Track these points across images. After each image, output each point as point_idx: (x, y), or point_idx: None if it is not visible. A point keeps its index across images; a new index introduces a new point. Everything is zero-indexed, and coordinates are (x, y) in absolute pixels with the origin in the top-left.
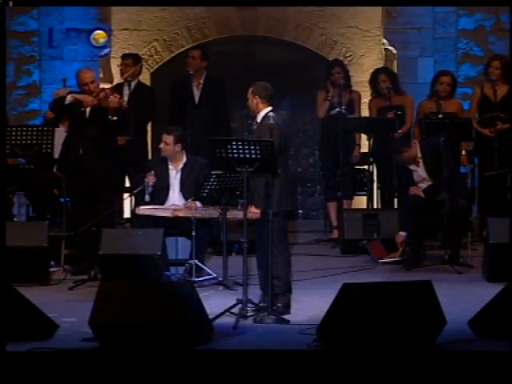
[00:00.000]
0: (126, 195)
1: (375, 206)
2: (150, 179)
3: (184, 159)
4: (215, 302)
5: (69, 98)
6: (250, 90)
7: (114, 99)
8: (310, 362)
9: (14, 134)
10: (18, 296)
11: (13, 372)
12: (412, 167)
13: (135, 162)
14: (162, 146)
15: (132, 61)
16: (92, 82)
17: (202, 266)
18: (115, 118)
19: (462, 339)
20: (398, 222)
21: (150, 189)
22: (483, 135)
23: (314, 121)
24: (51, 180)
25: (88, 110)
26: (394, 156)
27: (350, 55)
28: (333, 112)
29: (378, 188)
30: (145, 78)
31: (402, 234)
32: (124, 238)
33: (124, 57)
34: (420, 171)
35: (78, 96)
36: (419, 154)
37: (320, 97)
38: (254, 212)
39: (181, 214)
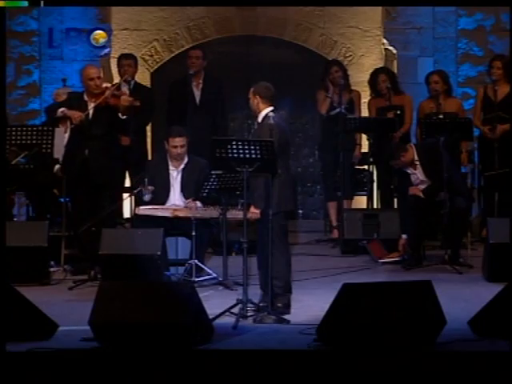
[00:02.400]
0: (126, 195)
1: (375, 206)
2: (148, 189)
3: (185, 159)
4: (215, 302)
5: (59, 113)
6: (251, 90)
7: (126, 98)
8: (310, 362)
9: (14, 133)
10: (18, 296)
11: (13, 372)
12: (409, 170)
13: (135, 162)
14: (179, 150)
15: (133, 61)
16: (98, 78)
17: (202, 265)
18: (125, 116)
19: (462, 339)
20: (399, 224)
21: (147, 196)
22: (484, 134)
23: (314, 121)
24: (51, 180)
25: (91, 110)
26: (391, 161)
27: (350, 55)
28: (333, 112)
29: (377, 188)
30: (145, 77)
31: (405, 237)
32: (124, 238)
33: (125, 57)
34: (418, 174)
35: (66, 112)
36: (416, 157)
37: (320, 96)
38: (253, 212)
39: (181, 214)
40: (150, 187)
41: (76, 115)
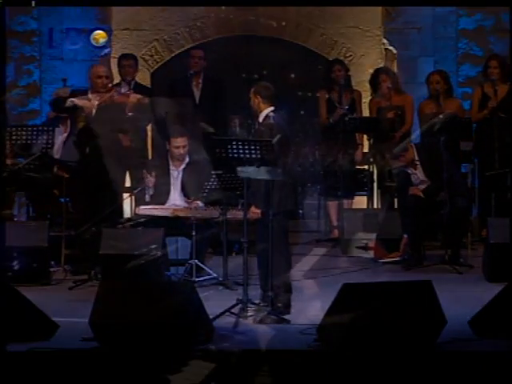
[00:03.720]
0: (126, 195)
1: (375, 206)
2: (150, 181)
3: (186, 159)
4: (215, 302)
5: (68, 103)
6: (252, 90)
7: (135, 95)
8: (310, 362)
9: (14, 133)
10: (18, 296)
11: (13, 372)
12: (409, 170)
13: (135, 162)
14: (181, 151)
15: (133, 61)
16: (106, 77)
17: (203, 265)
18: (130, 113)
19: (462, 339)
20: (401, 224)
21: (151, 190)
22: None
23: (314, 121)
24: (51, 180)
25: (95, 108)
26: (391, 161)
27: (350, 55)
28: (335, 116)
29: (378, 188)
30: (145, 77)
31: (407, 236)
32: (124, 238)
33: (125, 57)
34: (418, 174)
35: (77, 102)
36: (416, 157)
37: (321, 98)
38: (254, 212)
39: (181, 214)
40: (151, 178)
41: (87, 104)
